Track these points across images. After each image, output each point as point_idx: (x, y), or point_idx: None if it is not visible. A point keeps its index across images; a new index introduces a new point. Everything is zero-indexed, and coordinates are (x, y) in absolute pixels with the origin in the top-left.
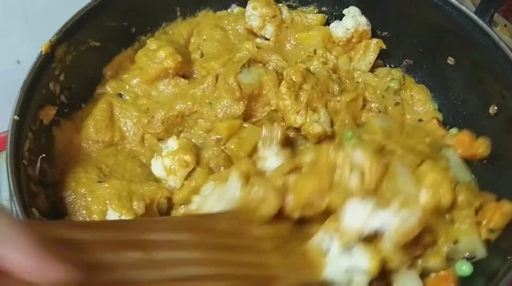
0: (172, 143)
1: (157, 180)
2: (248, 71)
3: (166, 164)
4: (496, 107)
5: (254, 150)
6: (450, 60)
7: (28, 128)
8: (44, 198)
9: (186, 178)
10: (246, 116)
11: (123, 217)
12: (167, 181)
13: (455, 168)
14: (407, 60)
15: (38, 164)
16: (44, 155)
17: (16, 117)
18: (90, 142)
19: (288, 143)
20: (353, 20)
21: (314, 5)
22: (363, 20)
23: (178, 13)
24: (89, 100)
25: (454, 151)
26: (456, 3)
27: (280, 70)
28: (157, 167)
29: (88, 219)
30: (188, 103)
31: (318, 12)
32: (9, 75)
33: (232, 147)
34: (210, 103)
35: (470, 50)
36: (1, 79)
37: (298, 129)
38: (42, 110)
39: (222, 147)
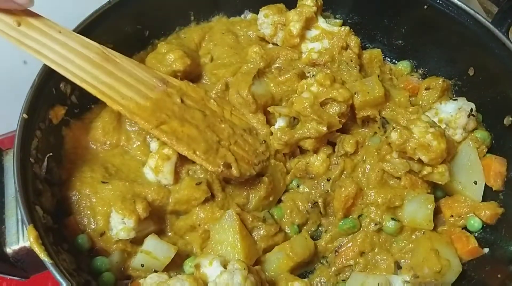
0: (154, 145)
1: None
2: (260, 83)
3: (152, 164)
4: (510, 118)
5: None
6: (471, 71)
7: (36, 127)
8: (49, 197)
9: (175, 182)
10: None
11: (126, 220)
12: (161, 181)
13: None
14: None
15: (45, 163)
16: (51, 154)
17: (25, 115)
18: (98, 143)
19: None
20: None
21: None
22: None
23: (192, 18)
24: (99, 101)
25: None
26: (472, 12)
27: (290, 64)
28: (148, 171)
29: (92, 219)
30: None
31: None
32: (16, 75)
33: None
34: None
35: (487, 60)
36: (8, 80)
37: None
38: (52, 110)
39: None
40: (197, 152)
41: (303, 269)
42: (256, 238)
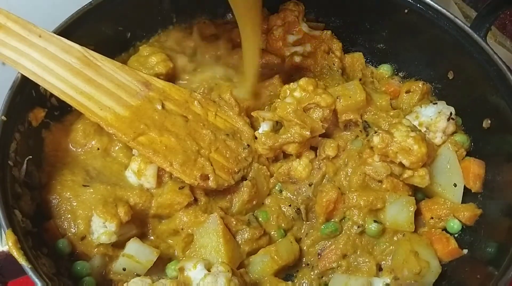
0: None
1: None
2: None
3: (134, 168)
4: (489, 121)
5: None
6: (450, 74)
7: (15, 129)
8: (29, 200)
9: (158, 186)
10: None
11: (107, 224)
12: (143, 184)
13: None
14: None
15: (25, 166)
16: (31, 156)
17: (3, 117)
18: (79, 145)
19: None
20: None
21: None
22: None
23: (174, 20)
24: None
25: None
26: (451, 16)
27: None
28: (130, 175)
29: (73, 223)
30: None
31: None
32: None
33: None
34: None
35: (466, 64)
36: None
37: None
38: (32, 112)
39: None
40: (174, 164)
41: (286, 272)
42: (240, 241)
